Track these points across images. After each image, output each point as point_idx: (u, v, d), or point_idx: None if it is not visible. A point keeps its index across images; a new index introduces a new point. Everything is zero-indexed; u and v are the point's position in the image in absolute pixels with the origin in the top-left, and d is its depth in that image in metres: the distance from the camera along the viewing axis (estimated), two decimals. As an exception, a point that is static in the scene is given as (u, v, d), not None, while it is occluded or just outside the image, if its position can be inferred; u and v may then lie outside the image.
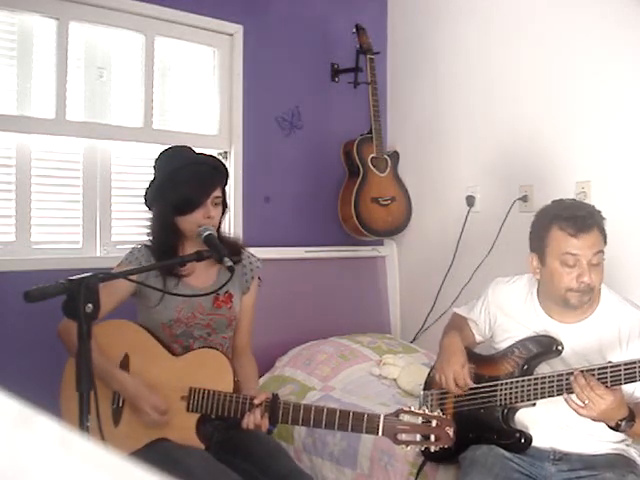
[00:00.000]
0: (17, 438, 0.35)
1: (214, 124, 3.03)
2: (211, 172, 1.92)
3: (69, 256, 2.58)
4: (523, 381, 1.83)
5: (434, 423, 1.67)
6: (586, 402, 1.63)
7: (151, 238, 1.95)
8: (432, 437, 1.67)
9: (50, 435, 0.35)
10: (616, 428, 1.68)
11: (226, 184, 2.00)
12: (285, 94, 3.18)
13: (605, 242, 1.81)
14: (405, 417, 1.68)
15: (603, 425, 1.80)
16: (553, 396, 1.76)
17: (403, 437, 1.67)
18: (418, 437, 1.69)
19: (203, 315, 1.92)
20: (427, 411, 1.70)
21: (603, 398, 1.62)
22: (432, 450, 1.73)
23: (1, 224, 2.47)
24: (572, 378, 1.66)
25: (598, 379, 1.66)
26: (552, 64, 2.84)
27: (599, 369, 1.68)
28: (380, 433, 1.68)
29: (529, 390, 1.81)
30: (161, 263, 1.87)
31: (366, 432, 1.71)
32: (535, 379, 1.81)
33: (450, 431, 1.67)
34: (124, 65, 2.78)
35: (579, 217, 1.77)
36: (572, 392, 1.73)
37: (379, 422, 1.68)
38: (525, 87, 2.95)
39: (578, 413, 1.66)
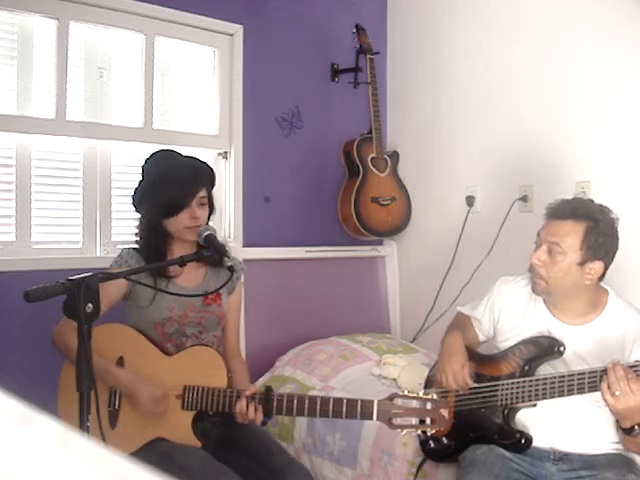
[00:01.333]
0: (17, 438, 0.35)
1: (214, 124, 3.03)
2: (195, 173, 1.95)
3: (69, 256, 2.58)
4: (525, 382, 1.83)
5: (429, 405, 1.67)
6: (617, 393, 1.61)
7: (139, 240, 1.97)
8: (427, 420, 1.67)
9: (50, 435, 0.36)
10: (629, 431, 1.67)
11: (213, 185, 2.02)
12: (285, 94, 3.18)
13: (586, 251, 1.76)
14: (399, 401, 1.68)
15: (603, 426, 1.80)
16: (555, 397, 1.76)
17: (398, 421, 1.67)
18: (413, 421, 1.69)
19: (194, 313, 1.94)
20: (421, 394, 1.69)
21: (635, 394, 1.60)
22: (429, 433, 1.71)
23: (1, 224, 2.47)
24: (609, 366, 1.64)
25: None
26: (552, 64, 2.84)
27: (631, 365, 1.66)
28: (375, 418, 1.69)
29: (530, 391, 1.81)
30: (163, 263, 1.88)
31: (361, 418, 1.72)
32: (537, 380, 1.80)
33: (445, 412, 1.66)
34: (124, 65, 2.78)
35: (560, 205, 1.83)
36: (574, 394, 1.72)
37: (373, 407, 1.69)
38: (525, 87, 2.95)
39: (606, 401, 1.64)
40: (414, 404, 1.68)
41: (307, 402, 1.74)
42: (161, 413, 1.78)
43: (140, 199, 1.97)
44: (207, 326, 1.96)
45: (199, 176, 1.95)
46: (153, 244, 1.92)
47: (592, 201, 1.89)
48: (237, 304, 2.12)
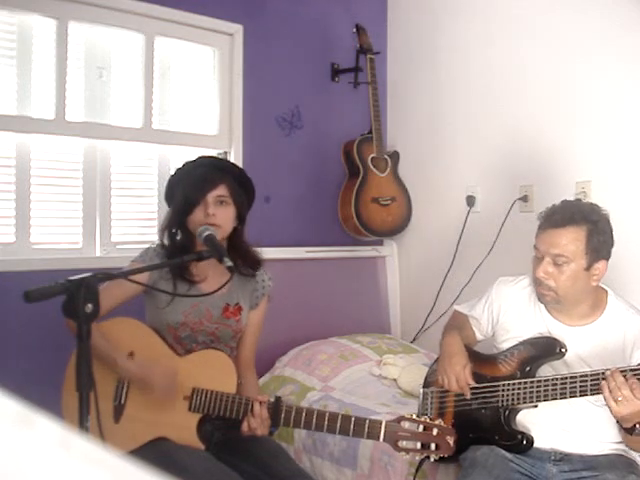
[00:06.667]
0: (17, 438, 0.34)
1: (214, 124, 3.03)
2: (212, 171, 1.93)
3: (69, 256, 2.58)
4: (526, 383, 1.82)
5: (435, 431, 1.67)
6: (619, 399, 1.60)
7: (166, 238, 1.96)
8: (432, 445, 1.68)
9: (50, 435, 0.35)
10: (630, 431, 1.67)
11: (248, 193, 1.99)
12: (285, 94, 3.18)
13: (591, 254, 1.75)
14: (406, 424, 1.69)
15: (604, 426, 1.80)
16: (556, 399, 1.75)
17: (404, 444, 1.68)
18: (418, 445, 1.70)
19: (210, 323, 1.92)
20: (428, 419, 1.71)
21: (639, 399, 1.59)
22: (432, 459, 1.73)
23: (1, 224, 2.47)
24: (608, 373, 1.64)
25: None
26: (552, 64, 2.84)
27: (632, 369, 1.65)
28: (381, 439, 1.69)
29: (532, 392, 1.80)
30: (161, 263, 1.87)
31: (367, 437, 1.72)
32: (538, 381, 1.80)
33: (451, 440, 1.67)
34: (124, 65, 2.77)
35: (554, 213, 1.79)
36: (577, 396, 1.72)
37: (381, 428, 1.68)
38: (525, 87, 2.95)
39: (609, 405, 1.63)
40: (421, 428, 1.69)
41: (315, 417, 1.73)
42: (173, 397, 1.76)
43: (167, 197, 2.01)
44: (220, 337, 1.93)
45: (216, 173, 1.93)
46: (177, 243, 1.92)
47: (580, 200, 1.88)
48: (258, 320, 2.05)
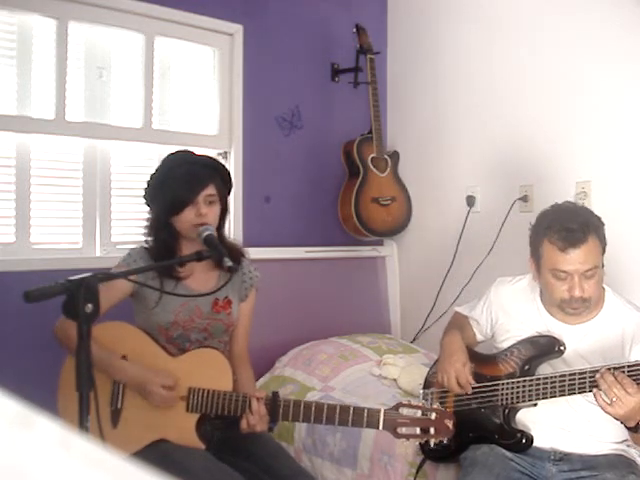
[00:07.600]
0: (17, 438, 0.34)
1: (214, 124, 3.03)
2: (201, 170, 1.91)
3: (69, 256, 2.58)
4: (525, 381, 1.83)
5: (433, 416, 1.68)
6: (614, 400, 1.60)
7: (149, 239, 1.94)
8: (431, 430, 1.68)
9: (50, 435, 0.35)
10: (635, 429, 1.67)
11: (227, 185, 1.99)
12: (285, 94, 3.18)
13: (603, 251, 1.78)
14: (405, 411, 1.69)
15: (604, 426, 1.80)
16: (555, 397, 1.76)
17: (403, 431, 1.68)
18: (418, 430, 1.70)
19: (201, 319, 1.91)
20: (426, 405, 1.71)
21: (633, 396, 1.59)
22: (432, 444, 1.73)
23: (1, 224, 2.47)
24: (598, 375, 1.63)
25: (628, 377, 1.62)
26: (552, 64, 2.84)
27: (629, 366, 1.65)
28: (381, 427, 1.70)
29: (531, 390, 1.81)
30: (161, 263, 1.86)
31: (367, 426, 1.73)
32: (537, 379, 1.80)
33: (449, 423, 1.68)
34: (124, 65, 2.77)
35: (569, 230, 1.73)
36: (575, 393, 1.72)
37: (379, 416, 1.69)
38: (525, 87, 2.95)
39: (605, 410, 1.63)
40: (419, 414, 1.69)
41: (313, 409, 1.73)
42: (173, 402, 1.76)
43: (149, 196, 1.95)
44: (213, 333, 1.93)
45: (206, 173, 1.91)
46: (163, 243, 1.89)
47: (568, 204, 1.86)
48: (248, 312, 2.06)
